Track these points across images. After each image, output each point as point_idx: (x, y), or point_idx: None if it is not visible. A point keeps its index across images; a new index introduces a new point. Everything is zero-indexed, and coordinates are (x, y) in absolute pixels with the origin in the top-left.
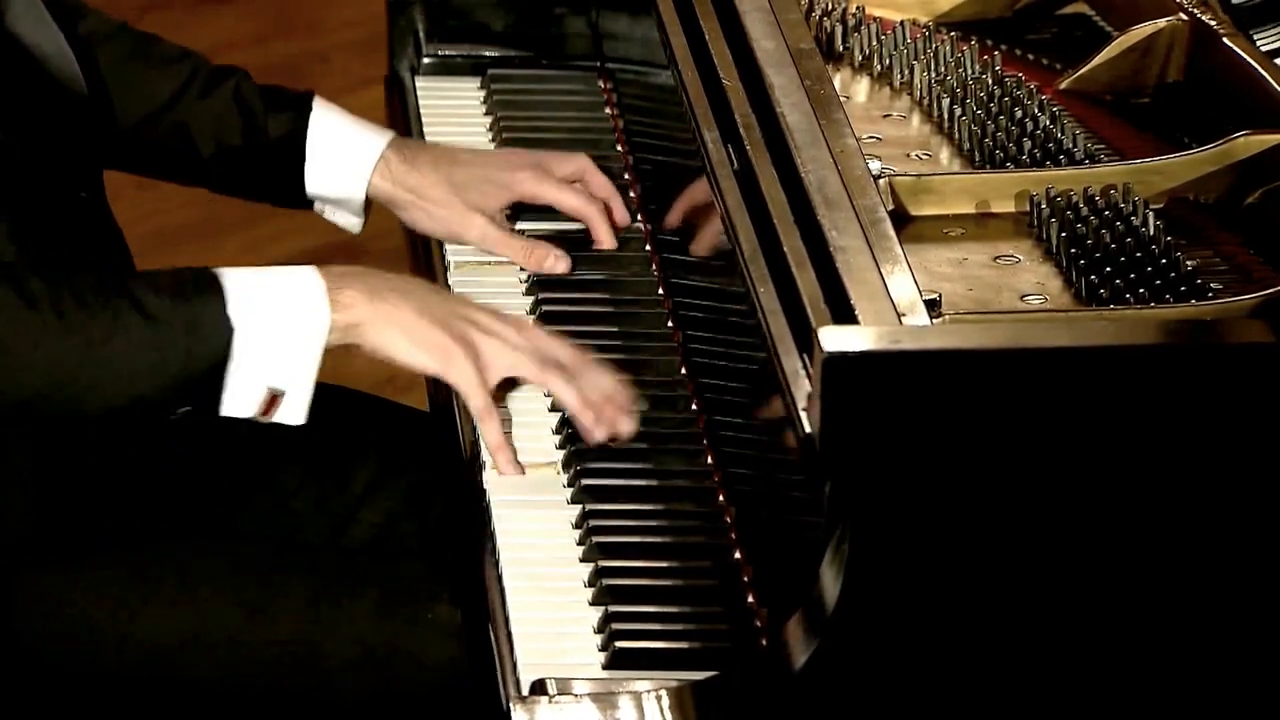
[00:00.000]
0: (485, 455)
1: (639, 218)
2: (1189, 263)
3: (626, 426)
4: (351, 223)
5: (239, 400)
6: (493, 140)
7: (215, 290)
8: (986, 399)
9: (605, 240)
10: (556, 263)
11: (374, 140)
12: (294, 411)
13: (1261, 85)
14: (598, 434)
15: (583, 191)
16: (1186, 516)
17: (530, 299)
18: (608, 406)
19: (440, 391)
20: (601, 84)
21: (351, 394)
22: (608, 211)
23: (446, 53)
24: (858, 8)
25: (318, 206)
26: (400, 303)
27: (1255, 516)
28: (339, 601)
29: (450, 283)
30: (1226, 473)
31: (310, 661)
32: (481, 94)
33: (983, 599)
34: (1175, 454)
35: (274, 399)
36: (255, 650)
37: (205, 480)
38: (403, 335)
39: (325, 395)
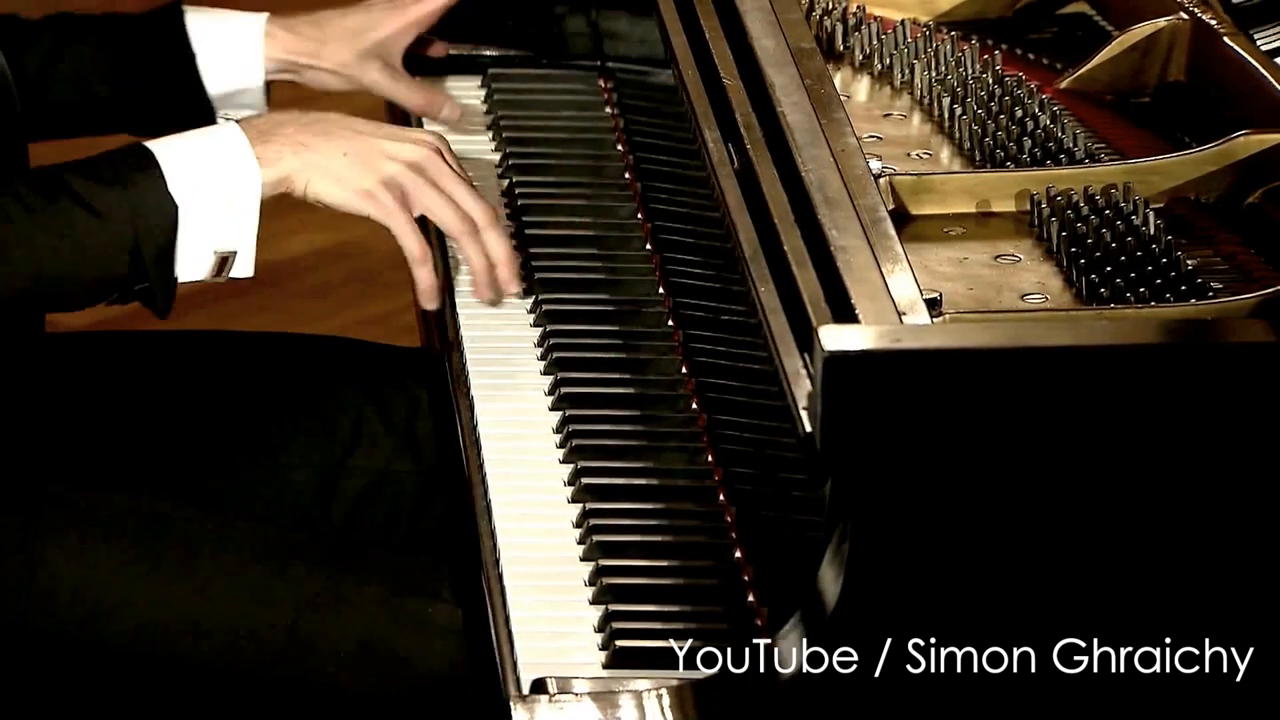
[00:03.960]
0: (485, 452)
1: (639, 216)
2: (1189, 262)
3: (515, 288)
4: (255, 112)
5: (191, 267)
6: (493, 140)
7: (153, 168)
8: (987, 398)
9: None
10: (453, 110)
11: (252, 22)
12: (244, 267)
13: (1261, 85)
14: (488, 293)
15: None
16: (1187, 516)
17: (533, 314)
18: (503, 268)
19: (434, 337)
20: (601, 83)
21: (334, 340)
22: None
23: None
24: (858, 7)
25: (221, 112)
26: (324, 148)
27: (1255, 516)
28: (340, 594)
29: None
30: (1227, 472)
31: (308, 652)
32: (482, 93)
33: (983, 598)
34: (1175, 454)
35: (224, 260)
36: (252, 634)
37: (194, 438)
38: (332, 182)
39: (307, 345)
